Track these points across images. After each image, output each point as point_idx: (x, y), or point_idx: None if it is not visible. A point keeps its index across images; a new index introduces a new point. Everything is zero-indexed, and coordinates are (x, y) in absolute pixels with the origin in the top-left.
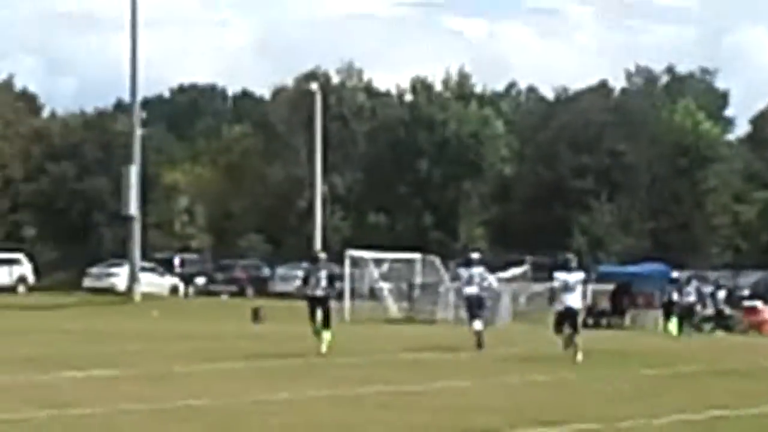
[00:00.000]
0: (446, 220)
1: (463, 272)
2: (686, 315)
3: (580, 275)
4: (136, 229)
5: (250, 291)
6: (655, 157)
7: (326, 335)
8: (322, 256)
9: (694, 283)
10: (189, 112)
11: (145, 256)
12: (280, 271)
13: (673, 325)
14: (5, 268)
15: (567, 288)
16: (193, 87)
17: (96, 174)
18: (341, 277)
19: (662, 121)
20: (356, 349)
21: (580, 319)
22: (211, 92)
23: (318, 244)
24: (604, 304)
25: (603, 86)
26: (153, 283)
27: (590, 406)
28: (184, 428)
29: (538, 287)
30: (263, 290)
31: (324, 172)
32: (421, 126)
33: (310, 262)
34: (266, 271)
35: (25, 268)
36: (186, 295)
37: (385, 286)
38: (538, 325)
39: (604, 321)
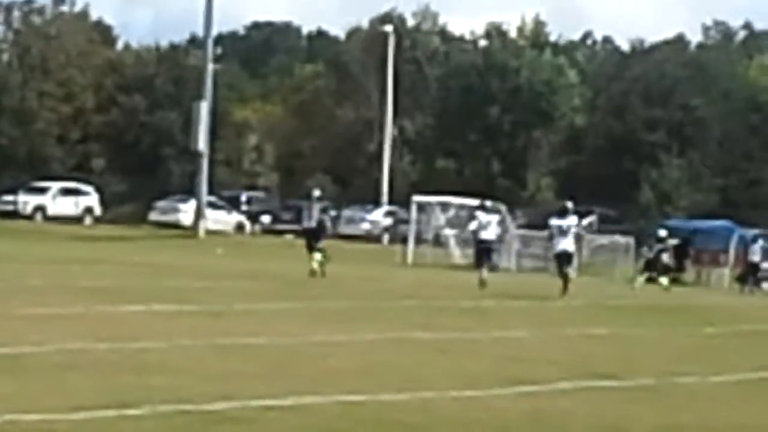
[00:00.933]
0: (514, 168)
1: (482, 217)
2: (750, 273)
3: (573, 220)
4: (204, 165)
5: None
6: (727, 113)
7: (317, 255)
8: (316, 193)
9: (761, 242)
10: (263, 49)
11: (212, 193)
12: (347, 213)
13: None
14: (72, 199)
15: (561, 232)
16: (268, 24)
17: (167, 108)
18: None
19: (737, 77)
20: (418, 295)
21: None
22: (286, 30)
23: (385, 187)
24: (668, 259)
25: (679, 40)
26: (219, 219)
27: (648, 361)
28: (241, 365)
29: (604, 240)
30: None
31: (394, 116)
32: (493, 72)
33: (307, 198)
34: (332, 213)
35: (92, 199)
36: (252, 233)
37: (450, 232)
38: (602, 278)
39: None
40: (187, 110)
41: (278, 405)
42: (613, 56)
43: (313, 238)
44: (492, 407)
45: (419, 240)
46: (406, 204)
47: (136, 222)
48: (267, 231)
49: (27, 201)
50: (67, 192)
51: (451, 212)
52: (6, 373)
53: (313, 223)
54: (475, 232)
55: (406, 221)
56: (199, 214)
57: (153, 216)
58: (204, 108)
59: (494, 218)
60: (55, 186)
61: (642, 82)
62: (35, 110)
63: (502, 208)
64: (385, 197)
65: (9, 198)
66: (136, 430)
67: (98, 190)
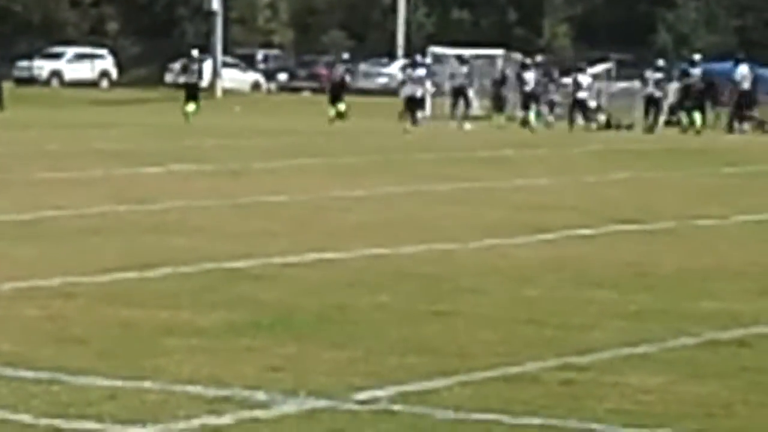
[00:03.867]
0: (530, 17)
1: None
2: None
3: (423, 71)
4: (219, 23)
5: None
6: None
7: (191, 105)
8: (195, 52)
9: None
10: None
11: (227, 52)
12: (363, 67)
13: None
14: (88, 63)
15: (412, 80)
16: None
17: None
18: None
19: None
20: (436, 146)
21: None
22: None
23: (401, 39)
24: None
25: None
26: (235, 78)
27: (667, 204)
28: (261, 223)
29: (622, 85)
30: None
31: None
32: None
33: (187, 57)
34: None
35: (108, 63)
36: (268, 91)
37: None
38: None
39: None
40: None
41: (299, 261)
42: None
43: (192, 91)
44: (512, 255)
45: (437, 92)
46: (422, 56)
47: (152, 84)
48: (283, 88)
49: (43, 66)
50: (82, 56)
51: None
52: (28, 239)
53: (192, 79)
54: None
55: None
56: (215, 74)
57: (169, 77)
58: None
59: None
60: (71, 51)
61: None
62: None
63: (519, 57)
64: (401, 50)
65: (25, 64)
66: (159, 290)
67: (113, 53)
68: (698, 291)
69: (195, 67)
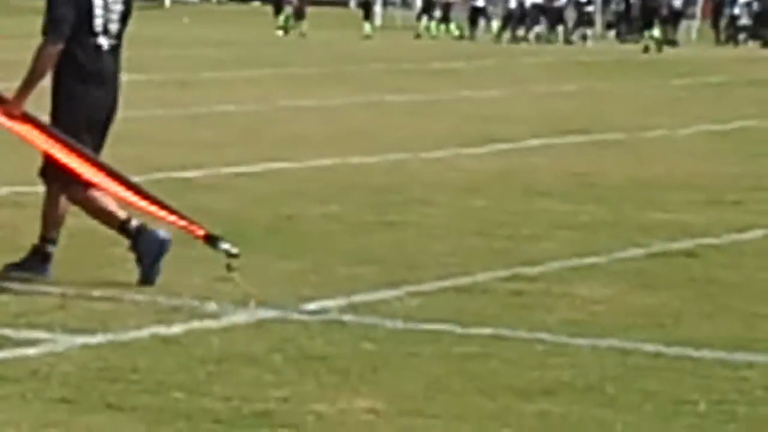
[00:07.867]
0: None
1: None
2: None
3: None
4: None
5: None
6: None
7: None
8: None
9: None
10: None
11: None
12: None
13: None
14: None
15: None
16: None
17: None
18: None
19: None
20: (387, 57)
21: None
22: None
23: None
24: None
25: None
26: None
27: (617, 115)
28: (210, 133)
29: None
30: None
31: None
32: None
33: None
34: None
35: None
36: (218, 1)
37: None
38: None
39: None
40: None
41: (248, 171)
42: None
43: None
44: (462, 167)
45: (387, 2)
46: None
47: None
48: None
49: None
50: None
51: None
52: None
53: None
54: None
55: None
56: None
57: None
58: None
59: None
60: None
61: None
62: None
63: None
64: None
65: None
66: None
67: None
68: (647, 202)
69: None
